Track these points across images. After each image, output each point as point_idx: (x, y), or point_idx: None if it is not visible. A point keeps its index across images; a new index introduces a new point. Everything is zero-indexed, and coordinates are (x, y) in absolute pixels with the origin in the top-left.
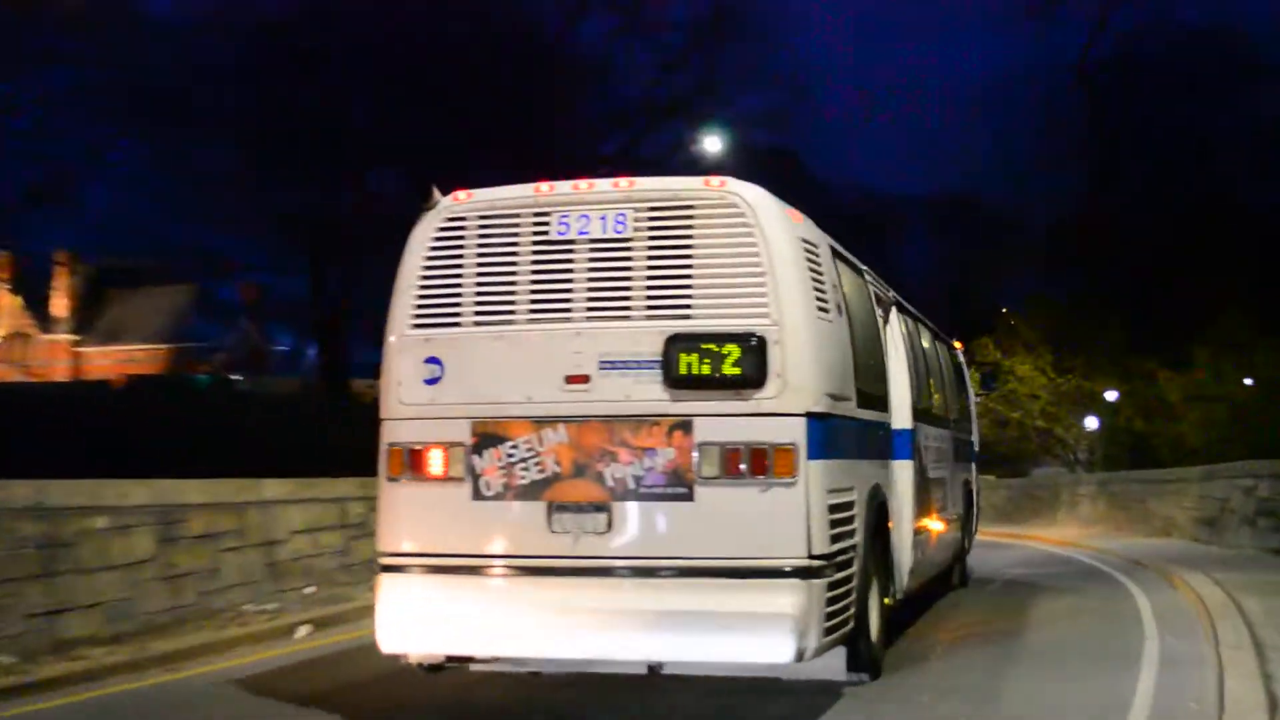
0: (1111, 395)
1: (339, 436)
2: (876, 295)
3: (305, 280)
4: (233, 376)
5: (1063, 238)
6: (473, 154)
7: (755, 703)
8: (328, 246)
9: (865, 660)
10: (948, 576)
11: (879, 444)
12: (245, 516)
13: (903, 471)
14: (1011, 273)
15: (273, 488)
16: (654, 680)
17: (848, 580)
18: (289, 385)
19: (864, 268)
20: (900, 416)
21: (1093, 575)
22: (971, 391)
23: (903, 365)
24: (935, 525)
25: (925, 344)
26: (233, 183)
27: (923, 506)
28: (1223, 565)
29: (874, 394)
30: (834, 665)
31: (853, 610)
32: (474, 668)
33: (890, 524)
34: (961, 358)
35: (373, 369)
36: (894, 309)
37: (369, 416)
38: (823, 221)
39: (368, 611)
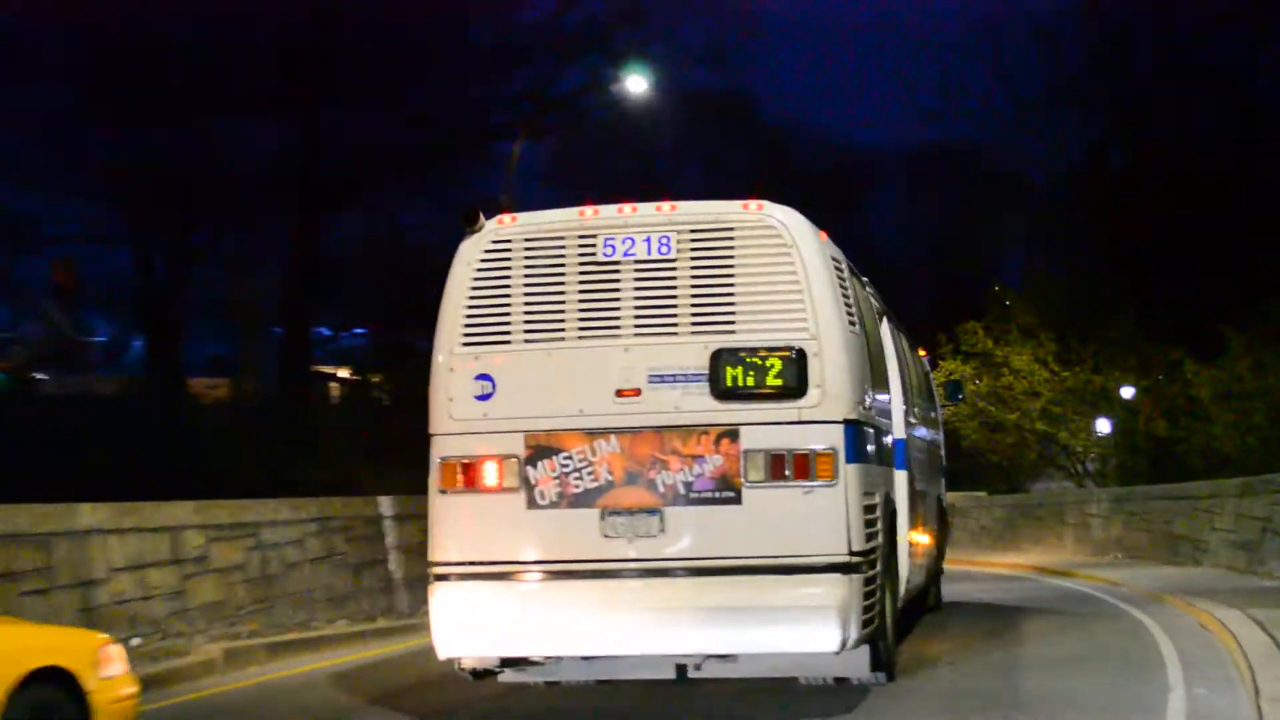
0: (1128, 392)
1: (173, 449)
2: (876, 306)
3: (129, 255)
4: (35, 375)
5: (1068, 200)
6: (339, 97)
7: (789, 701)
8: (157, 212)
9: (884, 661)
10: (925, 596)
11: (888, 453)
12: (53, 551)
13: (900, 481)
14: (1006, 243)
15: (88, 515)
16: (681, 686)
17: (875, 579)
18: (108, 386)
19: (865, 279)
20: (896, 426)
21: (1103, 611)
22: (939, 401)
23: (896, 374)
24: (921, 539)
25: (907, 352)
26: (39, 130)
27: (912, 518)
28: (1263, 599)
29: (883, 404)
30: (858, 664)
31: (877, 608)
32: (503, 678)
33: (897, 533)
34: (928, 365)
35: (215, 364)
36: (884, 318)
37: (211, 424)
38: (778, 179)
39: (210, 668)
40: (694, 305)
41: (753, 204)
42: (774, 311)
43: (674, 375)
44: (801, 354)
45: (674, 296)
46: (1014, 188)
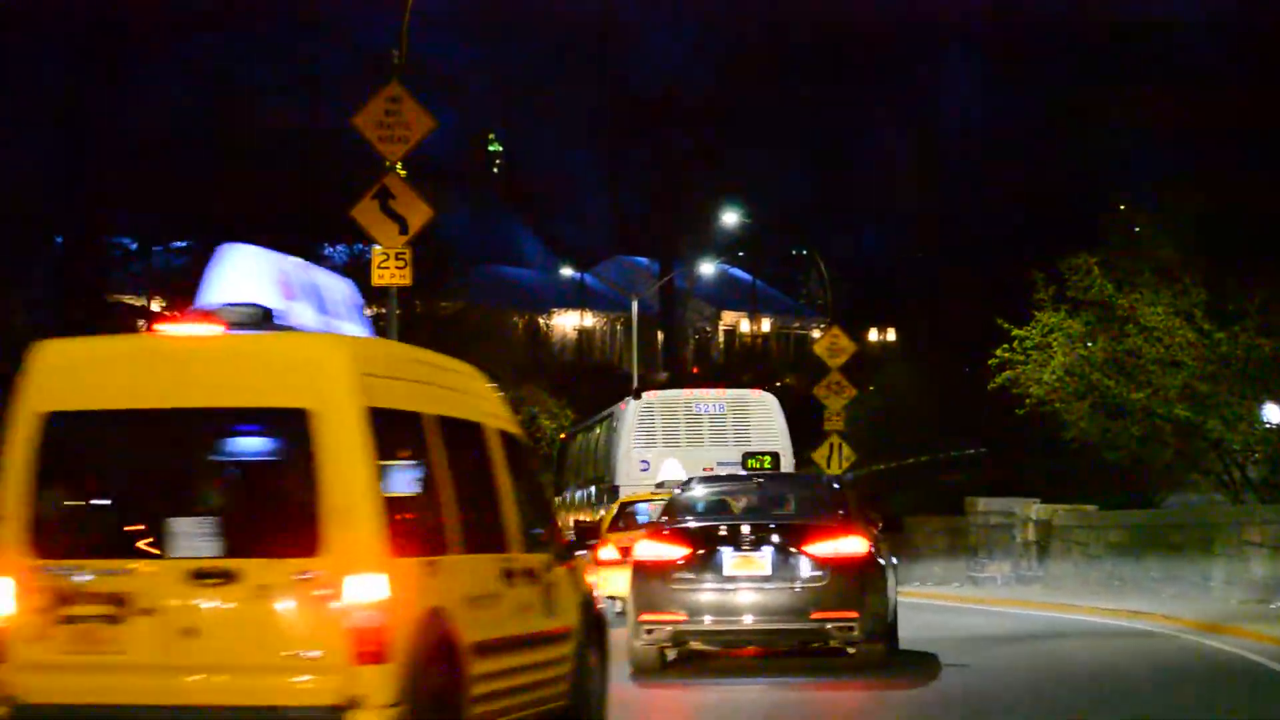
0: None
1: None
2: None
3: None
4: None
5: (1231, 65)
6: None
7: None
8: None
9: None
10: None
11: None
12: None
13: None
14: (1135, 137)
15: None
16: None
17: None
18: None
19: None
20: None
21: (1263, 686)
22: None
23: None
24: None
25: None
26: None
27: None
28: None
29: None
30: None
31: None
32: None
33: None
34: None
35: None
36: None
37: None
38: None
39: None
40: (734, 433)
41: (757, 392)
42: (765, 436)
43: (727, 463)
44: (778, 454)
45: (725, 429)
46: (1148, 47)
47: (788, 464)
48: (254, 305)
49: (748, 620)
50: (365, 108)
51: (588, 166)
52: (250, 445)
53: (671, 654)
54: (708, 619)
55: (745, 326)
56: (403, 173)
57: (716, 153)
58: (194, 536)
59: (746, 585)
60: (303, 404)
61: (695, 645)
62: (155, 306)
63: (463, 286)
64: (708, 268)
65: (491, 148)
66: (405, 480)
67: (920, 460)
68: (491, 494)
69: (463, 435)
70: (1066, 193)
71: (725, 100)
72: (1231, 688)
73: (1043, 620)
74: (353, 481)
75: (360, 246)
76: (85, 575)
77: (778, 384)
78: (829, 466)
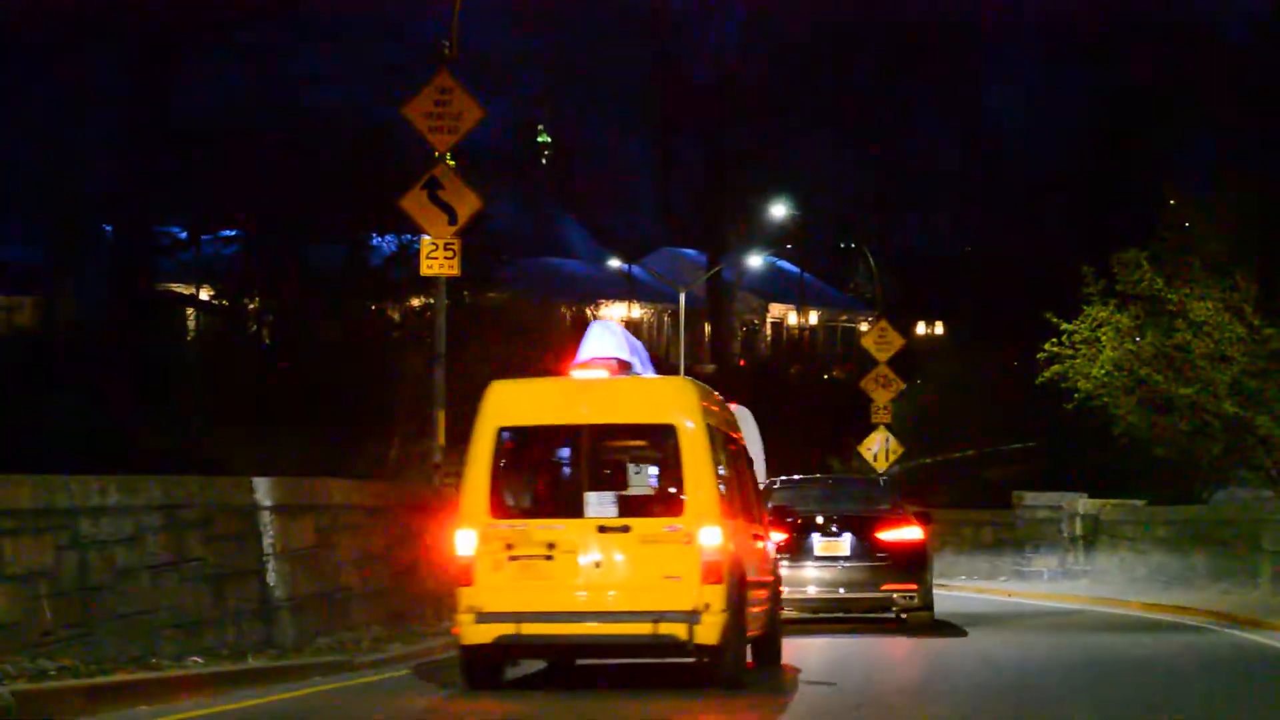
0: None
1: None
2: None
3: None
4: None
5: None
6: None
7: None
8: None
9: None
10: None
11: None
12: None
13: None
14: (1186, 134)
15: None
16: None
17: None
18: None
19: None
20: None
21: None
22: None
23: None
24: None
25: None
26: None
27: None
28: None
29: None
30: None
31: None
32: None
33: None
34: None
35: (13, 275)
36: None
37: (3, 361)
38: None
39: None
40: None
41: (734, 404)
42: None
43: None
44: (751, 460)
45: None
46: (1201, 41)
47: (760, 468)
48: (618, 359)
49: (833, 590)
50: (415, 98)
51: (636, 158)
52: (635, 446)
53: None
54: (801, 589)
55: (793, 319)
56: (452, 163)
57: (766, 145)
58: (601, 504)
59: (831, 563)
60: (669, 421)
61: (787, 613)
62: (204, 295)
63: (511, 277)
64: (755, 260)
65: (540, 139)
66: (721, 470)
67: (967, 454)
68: (743, 484)
69: (733, 444)
70: (1117, 187)
71: (775, 93)
72: (1262, 667)
73: (1087, 612)
74: (702, 469)
75: (409, 237)
76: (528, 529)
77: (825, 376)
78: (876, 459)
